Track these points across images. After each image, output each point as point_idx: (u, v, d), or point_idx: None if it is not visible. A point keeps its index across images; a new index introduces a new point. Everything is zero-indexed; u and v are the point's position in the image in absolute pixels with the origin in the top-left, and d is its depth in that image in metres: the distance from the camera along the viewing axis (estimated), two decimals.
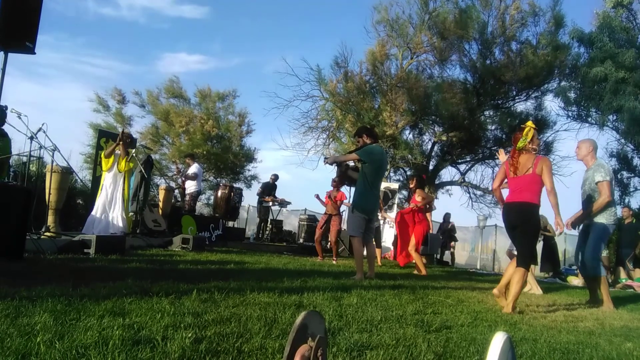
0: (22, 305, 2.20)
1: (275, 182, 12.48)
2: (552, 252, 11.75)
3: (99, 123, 18.41)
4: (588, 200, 4.96)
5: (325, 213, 8.88)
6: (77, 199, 10.69)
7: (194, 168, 10.72)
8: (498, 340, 1.24)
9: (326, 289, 3.82)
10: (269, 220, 12.37)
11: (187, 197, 10.62)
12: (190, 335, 1.83)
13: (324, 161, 6.67)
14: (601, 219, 4.85)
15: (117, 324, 1.92)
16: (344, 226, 12.46)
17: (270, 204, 12.75)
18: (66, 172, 6.18)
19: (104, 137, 9.70)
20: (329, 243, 8.92)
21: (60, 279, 3.14)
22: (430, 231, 12.21)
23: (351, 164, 7.95)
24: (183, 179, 10.53)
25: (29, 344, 1.54)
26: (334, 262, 8.24)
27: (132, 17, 39.78)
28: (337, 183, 8.82)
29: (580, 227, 5.10)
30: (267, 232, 12.28)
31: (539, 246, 12.12)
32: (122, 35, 39.29)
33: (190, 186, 10.61)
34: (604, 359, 2.22)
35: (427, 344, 2.16)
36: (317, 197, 9.09)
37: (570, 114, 15.33)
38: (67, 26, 38.22)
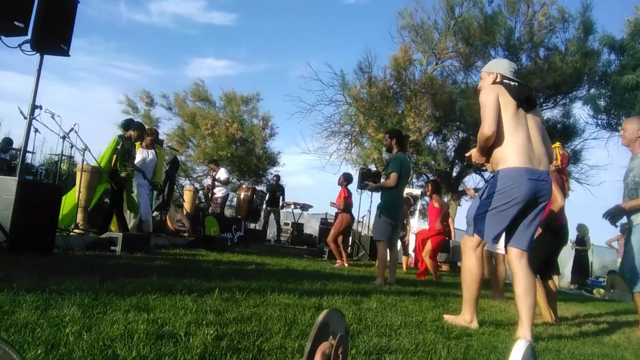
0: (51, 298, 2.28)
1: (280, 183, 12.67)
2: (582, 264, 11.49)
3: None
4: (631, 196, 4.01)
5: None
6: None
7: (223, 173, 10.93)
8: (520, 348, 1.23)
9: (346, 292, 3.82)
10: (281, 222, 12.57)
11: (219, 200, 10.82)
12: (212, 332, 1.86)
13: (366, 187, 6.80)
14: None
15: (142, 319, 1.97)
16: (362, 231, 12.46)
17: (292, 207, 12.85)
18: (95, 172, 6.35)
19: None
20: (347, 246, 8.71)
21: (87, 274, 3.23)
22: (453, 239, 12.05)
23: (373, 168, 7.90)
24: (216, 183, 10.75)
25: (58, 334, 1.60)
26: (336, 265, 7.94)
27: (163, 23, 40.70)
28: (341, 181, 8.66)
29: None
30: (286, 235, 12.38)
31: (568, 257, 11.82)
32: (152, 40, 40.24)
33: (220, 190, 10.82)
34: None
35: (447, 350, 2.15)
36: (332, 204, 8.93)
37: (599, 122, 14.93)
38: (100, 31, 39.37)
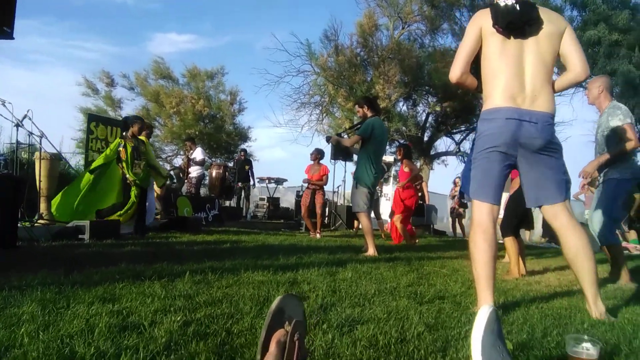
0: (11, 295, 2.18)
1: (247, 157, 12.57)
2: None
3: (89, 107, 18.20)
4: (601, 152, 4.02)
5: (309, 188, 8.81)
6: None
7: (199, 153, 10.68)
8: (483, 314, 1.23)
9: (321, 264, 3.83)
10: (256, 197, 12.52)
11: (194, 180, 10.62)
12: (179, 318, 1.81)
13: (327, 141, 6.55)
14: (614, 173, 3.93)
15: (106, 311, 1.91)
16: (338, 200, 12.51)
17: (267, 182, 12.77)
18: (55, 159, 6.10)
19: (94, 121, 9.55)
20: (317, 217, 8.82)
21: (53, 266, 3.12)
22: (427, 202, 12.25)
23: (345, 136, 7.85)
24: (190, 163, 10.52)
25: (12, 335, 1.52)
26: (317, 236, 8.16)
27: None
28: (316, 156, 8.78)
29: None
30: (263, 210, 12.32)
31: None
32: (111, 17, 38.53)
33: (195, 170, 10.60)
34: (595, 323, 2.23)
35: (419, 315, 2.17)
36: (305, 181, 9.02)
37: None
38: (54, 10, 37.44)
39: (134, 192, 6.18)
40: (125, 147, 6.08)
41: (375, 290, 2.85)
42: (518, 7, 2.35)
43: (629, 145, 3.85)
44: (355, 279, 3.27)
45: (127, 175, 6.06)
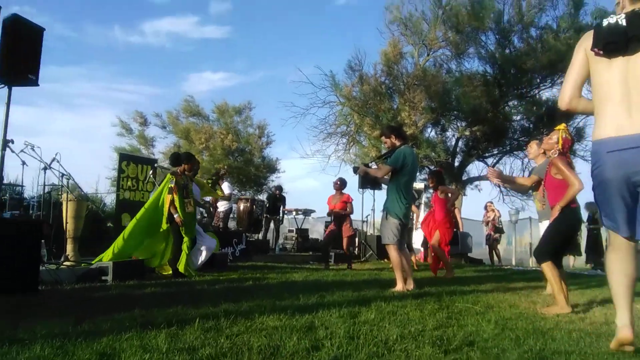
0: (10, 352, 2.09)
1: (282, 194, 12.40)
2: (595, 242, 11.16)
3: (124, 146, 18.81)
4: None
5: (333, 220, 8.65)
6: (107, 222, 10.73)
7: (226, 187, 10.70)
8: None
9: (343, 304, 3.62)
10: (285, 229, 12.41)
11: (222, 215, 10.66)
12: None
13: (355, 172, 6.33)
14: None
15: None
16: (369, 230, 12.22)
17: (294, 214, 12.65)
18: (81, 200, 6.20)
19: (125, 160, 9.75)
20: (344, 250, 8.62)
21: (67, 312, 3.06)
22: (461, 229, 11.75)
23: (372, 165, 7.64)
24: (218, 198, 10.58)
25: None
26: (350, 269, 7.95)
27: (159, 42, 41.36)
28: (340, 185, 8.67)
29: None
30: (291, 242, 12.13)
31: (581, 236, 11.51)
32: (150, 60, 41.13)
33: (223, 204, 10.64)
34: None
35: None
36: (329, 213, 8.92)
37: None
38: (98, 56, 40.14)
39: (185, 237, 5.84)
40: (176, 183, 5.82)
41: (397, 335, 2.62)
42: (624, 23, 2.14)
43: None
44: (377, 321, 3.04)
45: (177, 215, 5.73)
